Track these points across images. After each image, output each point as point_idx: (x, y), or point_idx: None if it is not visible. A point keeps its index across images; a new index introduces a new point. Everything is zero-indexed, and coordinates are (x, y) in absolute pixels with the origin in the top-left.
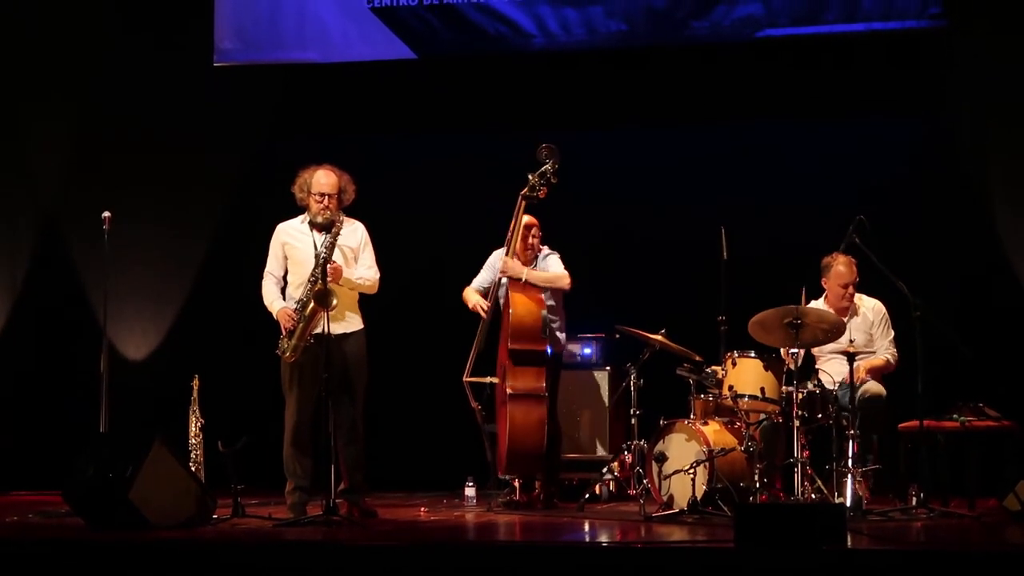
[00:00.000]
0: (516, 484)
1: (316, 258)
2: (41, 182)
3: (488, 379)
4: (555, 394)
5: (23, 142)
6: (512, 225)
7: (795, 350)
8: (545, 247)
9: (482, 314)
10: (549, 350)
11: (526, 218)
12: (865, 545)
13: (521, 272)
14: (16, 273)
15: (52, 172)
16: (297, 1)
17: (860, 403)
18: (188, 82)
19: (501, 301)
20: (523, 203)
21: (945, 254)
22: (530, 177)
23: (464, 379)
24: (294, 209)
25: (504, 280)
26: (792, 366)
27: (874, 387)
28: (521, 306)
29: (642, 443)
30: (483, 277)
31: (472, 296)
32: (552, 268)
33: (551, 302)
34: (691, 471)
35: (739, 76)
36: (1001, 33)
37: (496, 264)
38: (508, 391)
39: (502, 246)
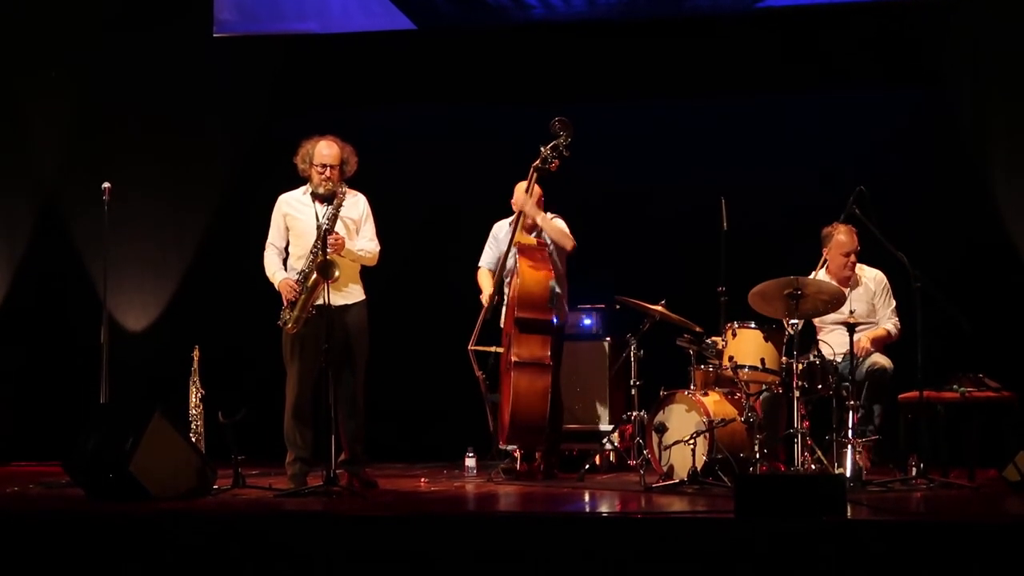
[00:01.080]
0: (517, 454)
1: (318, 229)
2: (41, 154)
3: (493, 348)
4: (559, 364)
5: (23, 115)
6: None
7: (794, 320)
8: (550, 212)
9: (484, 303)
10: (555, 319)
11: (535, 191)
12: (865, 516)
13: (537, 214)
14: (16, 245)
15: (52, 144)
16: None
17: (868, 374)
18: (187, 54)
19: (507, 272)
20: (535, 175)
21: (945, 225)
22: (542, 150)
23: (469, 348)
24: (295, 180)
25: (513, 252)
26: (791, 331)
27: (882, 359)
28: (529, 275)
29: (642, 414)
30: (490, 254)
31: (486, 286)
32: (558, 223)
33: (557, 270)
34: (691, 442)
35: (739, 47)
36: (1001, 5)
37: (500, 235)
38: (513, 359)
39: (502, 218)
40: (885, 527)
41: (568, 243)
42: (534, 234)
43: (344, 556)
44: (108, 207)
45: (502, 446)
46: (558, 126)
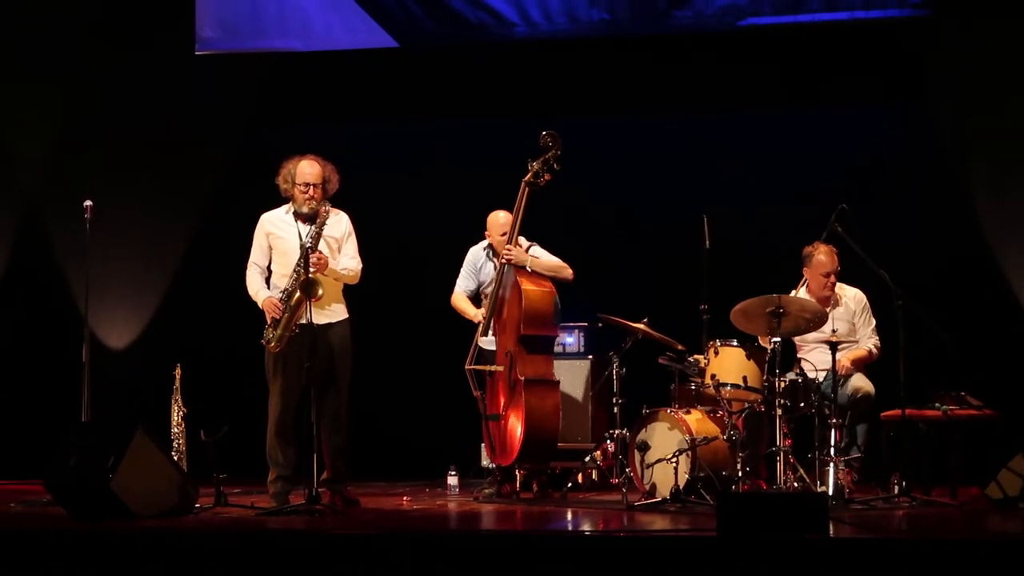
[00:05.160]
0: (518, 475)
1: (301, 248)
2: (22, 170)
3: (491, 367)
4: None
5: (4, 130)
6: (515, 213)
7: (776, 338)
8: (522, 238)
9: (479, 323)
10: (558, 336)
11: (502, 217)
12: (847, 534)
13: (525, 260)
14: None
15: (33, 161)
16: None
17: (851, 401)
18: (170, 71)
19: (502, 291)
20: (527, 190)
21: (926, 242)
22: (532, 164)
23: (466, 367)
24: (277, 198)
25: (507, 269)
26: (772, 349)
27: (865, 384)
28: (534, 292)
29: (624, 432)
30: (467, 282)
31: (469, 308)
32: (546, 257)
33: None
34: (673, 460)
35: (721, 65)
36: (983, 22)
37: (477, 263)
38: (521, 378)
39: (476, 243)
40: (867, 545)
41: (567, 273)
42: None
43: (326, 575)
44: (90, 224)
45: (499, 463)
46: (548, 139)
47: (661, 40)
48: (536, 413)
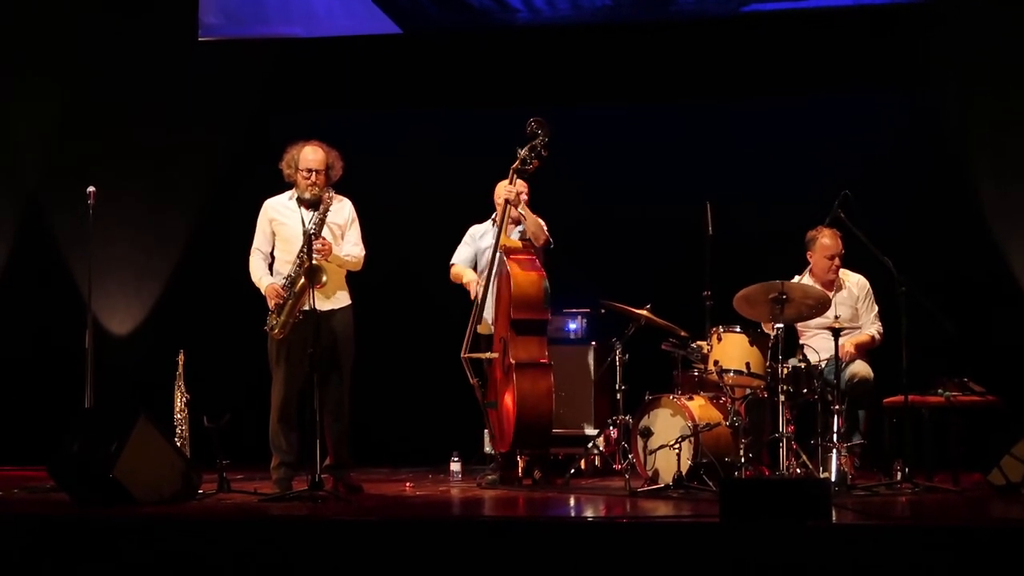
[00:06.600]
0: (520, 461)
1: (304, 235)
2: (25, 157)
3: (487, 355)
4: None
5: (6, 117)
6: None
7: (779, 324)
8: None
9: (472, 292)
10: (550, 321)
11: (519, 183)
12: (850, 520)
13: (520, 203)
14: (0, 248)
15: (36, 147)
16: None
17: (848, 386)
18: (173, 57)
19: (495, 280)
20: (515, 178)
21: (930, 229)
22: (520, 151)
23: (463, 356)
24: (281, 184)
25: (499, 255)
26: (775, 335)
27: (863, 370)
28: (522, 276)
29: (627, 418)
30: (466, 253)
31: (467, 272)
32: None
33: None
34: (676, 446)
35: (724, 51)
36: (988, 8)
37: (477, 233)
38: (512, 362)
39: (483, 221)
40: (870, 531)
41: (542, 237)
42: (516, 232)
43: (329, 561)
44: (93, 210)
45: (502, 451)
46: (534, 126)
47: (664, 26)
48: (529, 398)
